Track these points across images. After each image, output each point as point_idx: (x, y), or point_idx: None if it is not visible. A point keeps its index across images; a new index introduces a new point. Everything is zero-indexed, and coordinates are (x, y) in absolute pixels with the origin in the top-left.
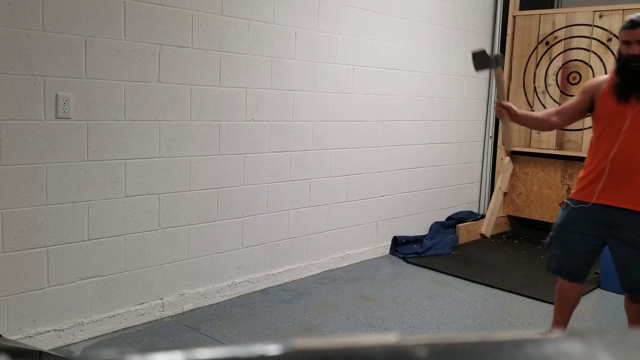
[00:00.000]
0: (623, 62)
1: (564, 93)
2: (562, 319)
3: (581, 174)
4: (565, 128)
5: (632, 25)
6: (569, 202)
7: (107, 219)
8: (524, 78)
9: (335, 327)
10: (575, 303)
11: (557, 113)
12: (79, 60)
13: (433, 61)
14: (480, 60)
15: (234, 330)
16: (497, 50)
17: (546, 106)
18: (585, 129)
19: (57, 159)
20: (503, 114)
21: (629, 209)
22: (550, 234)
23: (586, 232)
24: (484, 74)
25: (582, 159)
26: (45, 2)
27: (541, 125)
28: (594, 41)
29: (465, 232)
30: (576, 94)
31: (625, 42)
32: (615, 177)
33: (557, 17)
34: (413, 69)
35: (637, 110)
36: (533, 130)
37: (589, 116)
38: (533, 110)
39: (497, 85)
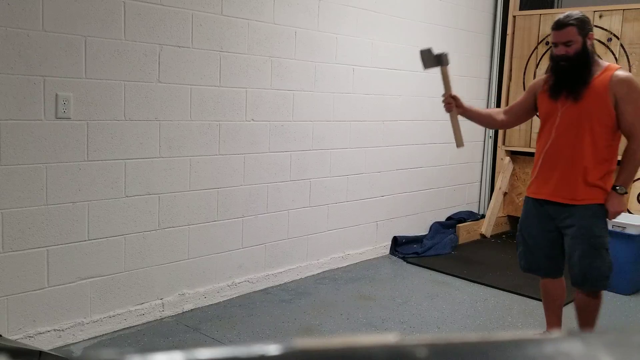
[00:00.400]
0: (554, 62)
1: None
2: (554, 317)
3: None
4: None
5: (557, 26)
6: (524, 199)
7: (107, 219)
8: (524, 78)
9: (335, 327)
10: (560, 298)
11: (505, 112)
12: (79, 60)
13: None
14: (427, 58)
15: (234, 330)
16: (497, 50)
17: None
18: None
19: (57, 159)
20: (452, 106)
21: (559, 202)
22: (517, 233)
23: (540, 227)
24: (484, 74)
25: None
26: (45, 2)
27: (488, 121)
28: (594, 41)
29: (465, 232)
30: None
31: (554, 44)
32: (548, 172)
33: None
34: (413, 69)
35: (566, 108)
36: (533, 131)
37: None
38: None
39: (443, 83)
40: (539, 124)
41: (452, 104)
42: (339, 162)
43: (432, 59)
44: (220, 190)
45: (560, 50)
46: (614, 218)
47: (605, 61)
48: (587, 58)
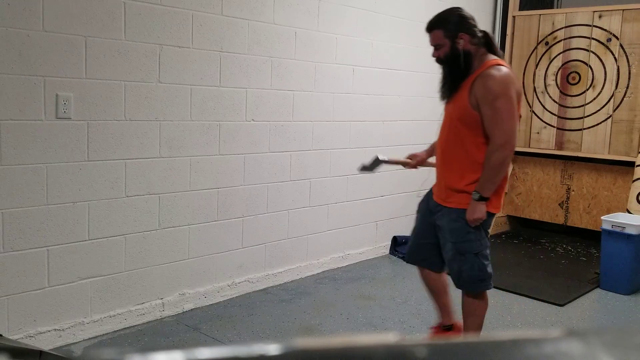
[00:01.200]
0: None
1: (564, 93)
2: (441, 310)
3: None
4: (564, 128)
5: (426, 29)
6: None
7: (107, 219)
8: (523, 78)
9: (335, 327)
10: (439, 293)
11: None
12: (79, 60)
13: (433, 61)
14: (370, 167)
15: (234, 330)
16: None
17: (545, 106)
18: (585, 129)
19: (57, 159)
20: (415, 165)
21: (439, 203)
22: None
23: (427, 218)
24: None
25: (582, 159)
26: (45, 2)
27: None
28: (593, 41)
29: None
30: (575, 92)
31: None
32: (436, 170)
33: (556, 17)
34: (413, 69)
35: (444, 109)
36: (533, 131)
37: None
38: (532, 111)
39: (396, 164)
40: (538, 124)
41: (414, 163)
42: (339, 162)
43: (374, 164)
44: (220, 190)
45: (434, 53)
46: (473, 225)
47: (493, 56)
48: (458, 60)
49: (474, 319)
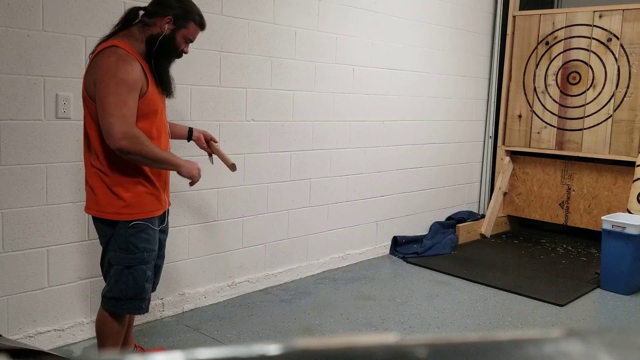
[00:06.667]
0: (168, 56)
1: (564, 93)
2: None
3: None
4: (565, 128)
5: (204, 26)
6: (140, 222)
7: None
8: (523, 78)
9: (335, 327)
10: None
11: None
12: (79, 60)
13: (433, 61)
14: None
15: (234, 330)
16: (497, 50)
17: (546, 106)
18: (585, 129)
19: (57, 159)
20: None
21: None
22: (143, 266)
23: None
24: (484, 74)
25: (582, 159)
26: (45, 2)
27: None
28: (593, 41)
29: (465, 232)
30: (575, 92)
31: (190, 40)
32: (163, 175)
33: (557, 17)
34: (413, 69)
35: (160, 103)
36: (533, 131)
37: None
38: (533, 111)
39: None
40: (538, 124)
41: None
42: (339, 162)
43: None
44: (220, 190)
45: (187, 48)
46: None
47: None
48: None
49: (109, 340)
